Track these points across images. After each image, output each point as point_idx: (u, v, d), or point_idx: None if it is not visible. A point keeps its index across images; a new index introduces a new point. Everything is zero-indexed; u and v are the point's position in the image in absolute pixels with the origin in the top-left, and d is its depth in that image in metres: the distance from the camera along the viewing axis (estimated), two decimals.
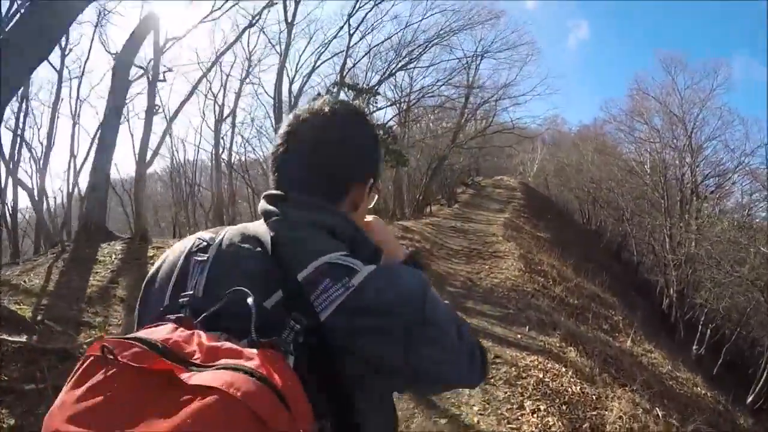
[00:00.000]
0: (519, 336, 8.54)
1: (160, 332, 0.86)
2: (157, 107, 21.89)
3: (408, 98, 27.32)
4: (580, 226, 38.03)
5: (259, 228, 1.11)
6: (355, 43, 22.44)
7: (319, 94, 18.63)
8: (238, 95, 26.96)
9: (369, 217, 1.36)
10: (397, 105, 27.05)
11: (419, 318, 1.00)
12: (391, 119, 26.44)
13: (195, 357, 0.81)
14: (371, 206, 1.29)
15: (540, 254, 16.93)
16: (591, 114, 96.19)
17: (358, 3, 21.45)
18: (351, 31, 21.55)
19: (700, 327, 23.08)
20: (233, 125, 27.50)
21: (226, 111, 27.38)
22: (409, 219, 22.43)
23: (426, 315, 1.01)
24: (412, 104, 28.11)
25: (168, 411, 0.71)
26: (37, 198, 17.87)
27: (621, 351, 9.90)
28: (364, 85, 20.51)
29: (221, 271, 1.05)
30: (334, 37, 21.92)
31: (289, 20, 19.06)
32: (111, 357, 0.78)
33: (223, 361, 0.80)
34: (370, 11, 21.77)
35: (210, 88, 27.21)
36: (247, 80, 26.76)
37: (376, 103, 20.53)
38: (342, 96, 19.36)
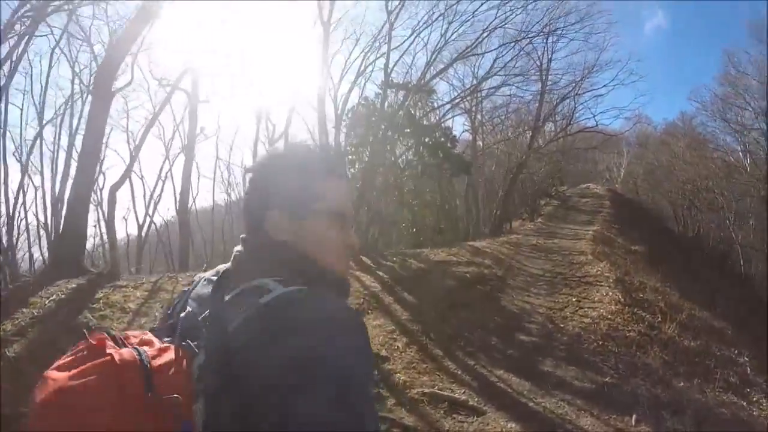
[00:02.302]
0: None
1: (132, 333, 1.12)
2: (201, 130, 19.93)
3: (472, 95, 23.51)
4: (676, 235, 33.45)
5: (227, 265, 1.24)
6: (407, 39, 18.36)
7: (366, 98, 15.80)
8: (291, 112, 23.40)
9: None
10: (463, 103, 23.52)
11: (299, 359, 0.92)
12: (454, 112, 22.84)
13: (130, 342, 1.06)
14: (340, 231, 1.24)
15: (639, 275, 13.48)
16: (677, 110, 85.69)
17: None
18: (392, 20, 17.14)
19: None
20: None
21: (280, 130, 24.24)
22: (485, 238, 19.16)
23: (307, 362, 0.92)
24: (477, 99, 24.51)
25: (80, 366, 0.96)
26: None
27: None
28: (420, 83, 17.06)
29: (191, 298, 1.21)
30: (379, 34, 17.85)
31: (325, 19, 15.87)
32: (84, 338, 1.03)
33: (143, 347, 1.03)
34: None
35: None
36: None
37: (431, 102, 17.24)
38: (390, 97, 16.45)
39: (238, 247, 1.22)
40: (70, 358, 0.99)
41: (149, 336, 1.11)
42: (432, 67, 18.44)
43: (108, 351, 0.97)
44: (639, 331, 8.79)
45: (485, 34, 19.23)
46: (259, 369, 0.91)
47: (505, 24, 19.57)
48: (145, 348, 1.02)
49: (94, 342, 1.00)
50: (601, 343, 8.05)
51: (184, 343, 1.04)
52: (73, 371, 0.94)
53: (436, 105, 19.39)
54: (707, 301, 14.24)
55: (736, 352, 10.32)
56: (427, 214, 19.17)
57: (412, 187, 17.32)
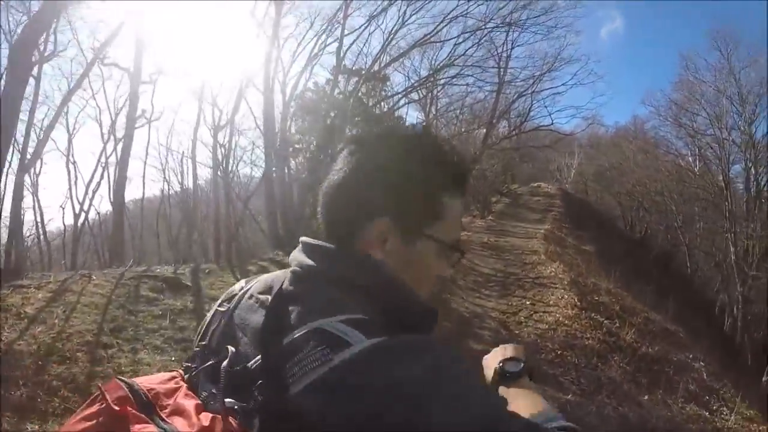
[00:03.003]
0: None
1: (154, 380, 0.89)
2: (142, 113, 18.68)
3: (427, 85, 22.32)
4: (624, 235, 33.62)
5: (281, 278, 0.96)
6: (364, 23, 17.15)
7: (315, 84, 14.74)
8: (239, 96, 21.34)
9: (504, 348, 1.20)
10: (418, 95, 22.50)
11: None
12: (408, 103, 21.80)
13: (165, 410, 0.82)
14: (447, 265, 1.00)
15: (591, 276, 12.98)
16: (629, 115, 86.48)
17: None
18: (348, 1, 15.86)
19: None
20: (231, 133, 22.39)
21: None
22: None
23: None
24: (433, 94, 23.72)
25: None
26: None
27: None
28: (370, 70, 15.97)
29: (235, 323, 0.95)
30: (334, 17, 16.61)
31: None
32: (101, 397, 0.81)
33: (177, 419, 0.80)
34: None
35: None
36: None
37: (384, 90, 16.04)
38: (342, 84, 15.44)
39: (302, 257, 0.95)
40: (83, 424, 0.79)
41: (184, 392, 0.86)
42: (387, 54, 17.51)
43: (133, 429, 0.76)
44: (598, 338, 8.20)
45: (445, 23, 18.37)
46: None
47: (467, 13, 18.73)
48: (181, 421, 0.79)
49: (115, 407, 0.79)
50: (559, 352, 7.38)
51: (232, 405, 0.79)
52: None
53: (389, 93, 18.30)
54: (658, 302, 13.99)
55: (690, 356, 10.18)
56: None
57: None
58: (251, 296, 0.97)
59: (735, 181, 25.06)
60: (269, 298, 0.92)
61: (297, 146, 14.31)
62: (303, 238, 1.00)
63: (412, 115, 27.66)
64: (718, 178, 25.26)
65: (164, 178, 25.78)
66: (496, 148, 27.21)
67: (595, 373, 6.88)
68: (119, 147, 19.42)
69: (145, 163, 25.40)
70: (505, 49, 22.95)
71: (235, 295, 1.01)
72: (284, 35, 16.33)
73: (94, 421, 0.78)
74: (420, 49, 20.41)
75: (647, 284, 16.38)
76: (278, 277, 0.98)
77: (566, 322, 8.57)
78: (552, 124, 26.53)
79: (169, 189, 26.48)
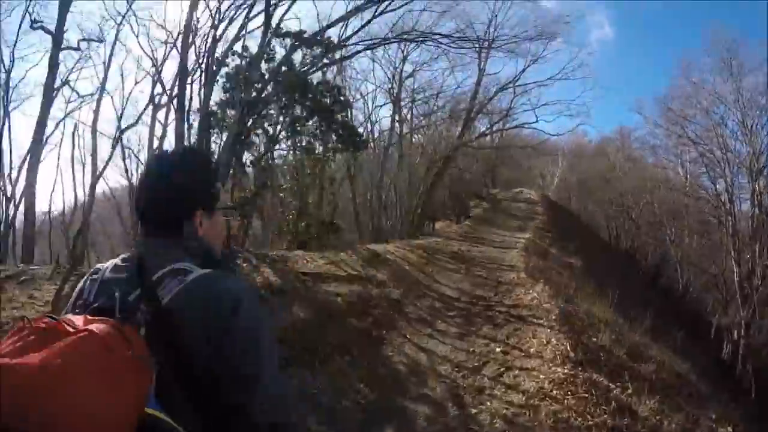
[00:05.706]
0: None
1: (62, 316, 1.17)
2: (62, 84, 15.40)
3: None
4: (609, 247, 30.58)
5: (132, 252, 1.40)
6: None
7: (245, 48, 11.38)
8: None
9: None
10: (392, 83, 19.44)
11: (222, 319, 1.21)
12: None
13: (77, 324, 1.05)
14: (227, 220, 1.77)
15: (583, 300, 9.71)
16: (616, 124, 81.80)
17: None
18: None
19: None
20: (168, 111, 19.22)
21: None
22: (397, 239, 15.06)
23: (230, 322, 1.21)
24: (401, 77, 20.67)
25: (52, 345, 0.96)
26: None
27: None
28: (310, 33, 12.14)
29: (106, 283, 1.31)
30: None
31: None
32: (28, 324, 1.03)
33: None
34: None
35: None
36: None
37: (325, 58, 12.24)
38: (277, 48, 11.88)
39: (150, 243, 1.38)
40: (19, 343, 0.99)
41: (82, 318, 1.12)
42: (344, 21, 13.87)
43: (82, 328, 1.03)
44: (605, 424, 4.89)
45: None
46: (201, 331, 1.17)
47: None
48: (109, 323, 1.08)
49: (46, 325, 1.03)
50: None
51: (128, 319, 1.15)
52: (52, 348, 0.96)
53: (337, 57, 14.24)
54: (663, 333, 11.04)
55: (713, 417, 6.77)
56: (310, 202, 14.17)
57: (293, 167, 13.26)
58: (113, 266, 1.34)
59: (737, 195, 21.75)
60: (128, 263, 1.33)
61: (217, 123, 10.99)
62: (140, 240, 1.45)
63: (380, 101, 24.11)
64: (718, 190, 22.27)
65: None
66: (473, 146, 23.91)
67: None
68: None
69: (95, 154, 21.83)
70: (487, 32, 19.79)
71: (99, 270, 1.36)
72: None
73: (21, 343, 0.98)
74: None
75: (643, 307, 13.31)
76: (129, 254, 1.39)
77: (554, 392, 5.25)
78: (537, 121, 23.24)
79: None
